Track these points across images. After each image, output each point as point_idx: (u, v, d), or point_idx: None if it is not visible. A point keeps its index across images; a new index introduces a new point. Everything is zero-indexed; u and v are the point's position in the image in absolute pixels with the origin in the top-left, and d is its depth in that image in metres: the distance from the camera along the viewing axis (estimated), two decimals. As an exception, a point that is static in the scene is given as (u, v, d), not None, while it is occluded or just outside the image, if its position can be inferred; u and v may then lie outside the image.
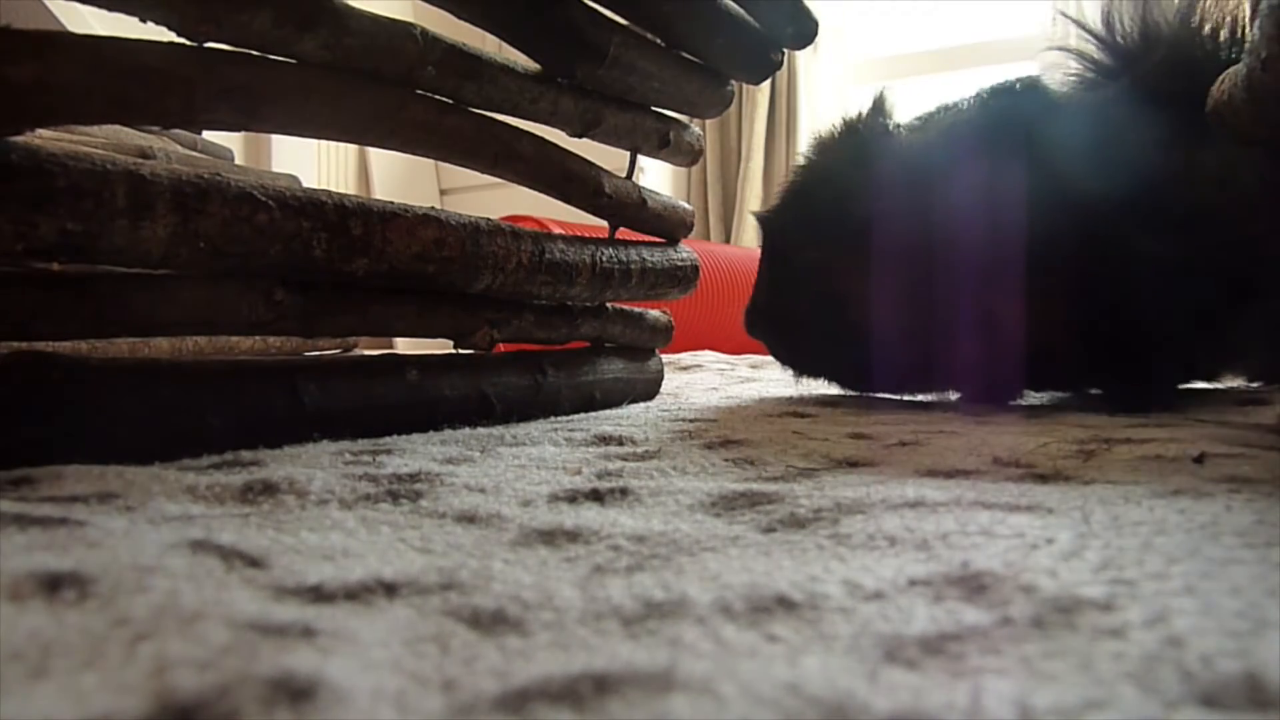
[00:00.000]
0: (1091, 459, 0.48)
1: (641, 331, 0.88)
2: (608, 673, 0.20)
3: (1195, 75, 0.75)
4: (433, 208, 0.62)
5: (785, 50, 0.87)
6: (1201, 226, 0.74)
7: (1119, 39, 0.87)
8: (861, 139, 0.88)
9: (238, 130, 0.52)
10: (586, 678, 0.19)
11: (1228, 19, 0.81)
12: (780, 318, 0.92)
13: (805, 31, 0.85)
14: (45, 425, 0.44)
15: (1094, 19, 0.89)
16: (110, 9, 0.47)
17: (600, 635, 0.23)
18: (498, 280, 0.67)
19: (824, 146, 0.91)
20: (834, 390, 0.96)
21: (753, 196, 2.77)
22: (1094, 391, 0.85)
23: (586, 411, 0.78)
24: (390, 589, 0.26)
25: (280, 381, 0.54)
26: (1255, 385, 0.94)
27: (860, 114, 0.90)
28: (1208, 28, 0.82)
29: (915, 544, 0.29)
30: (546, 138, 0.73)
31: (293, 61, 0.53)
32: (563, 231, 0.79)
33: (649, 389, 0.91)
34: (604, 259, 0.77)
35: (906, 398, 0.92)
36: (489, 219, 0.67)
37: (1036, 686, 0.19)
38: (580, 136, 0.76)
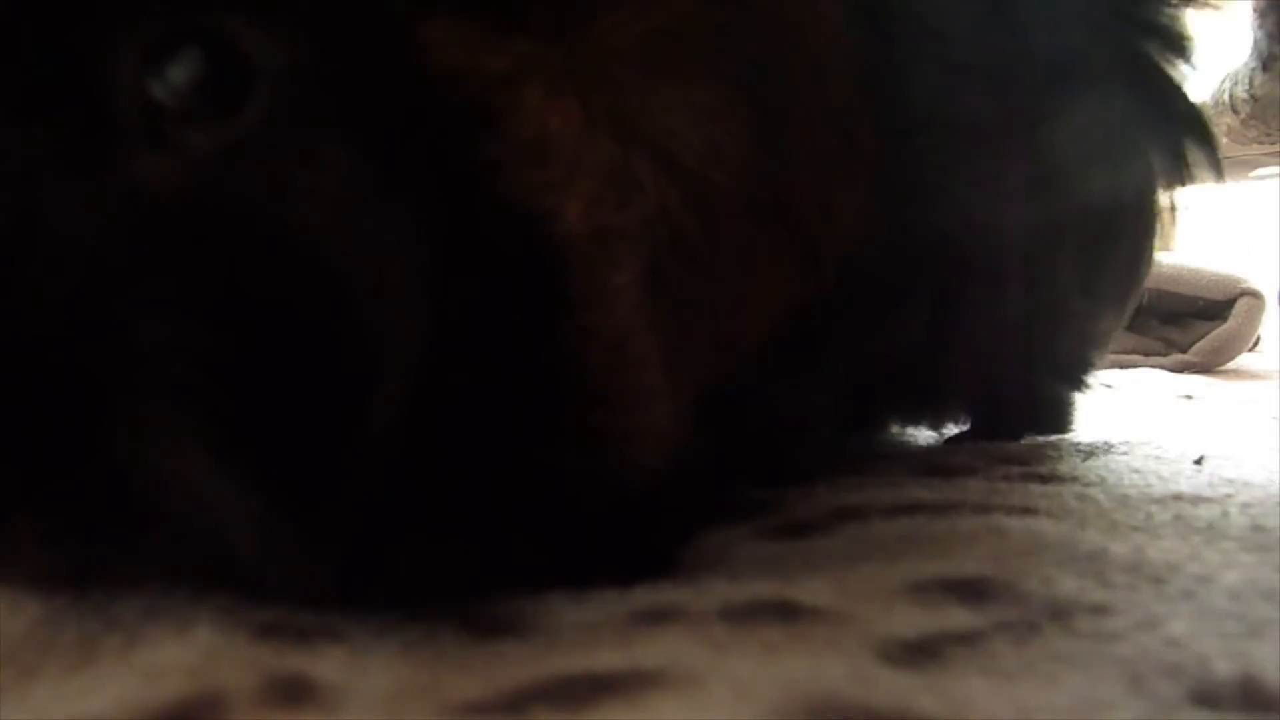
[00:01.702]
0: (1091, 459, 0.48)
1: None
2: (604, 673, 0.20)
3: None
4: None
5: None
6: None
7: None
8: None
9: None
10: (583, 678, 0.20)
11: None
12: None
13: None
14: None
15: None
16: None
17: (596, 637, 0.23)
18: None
19: None
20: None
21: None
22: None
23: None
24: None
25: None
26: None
27: None
28: None
29: (913, 551, 0.29)
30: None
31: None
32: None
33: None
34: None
35: None
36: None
37: (1033, 689, 0.19)
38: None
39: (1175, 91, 0.49)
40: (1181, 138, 0.49)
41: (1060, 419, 0.54)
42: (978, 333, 0.42)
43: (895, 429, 0.53)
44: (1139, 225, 0.50)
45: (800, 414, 0.36)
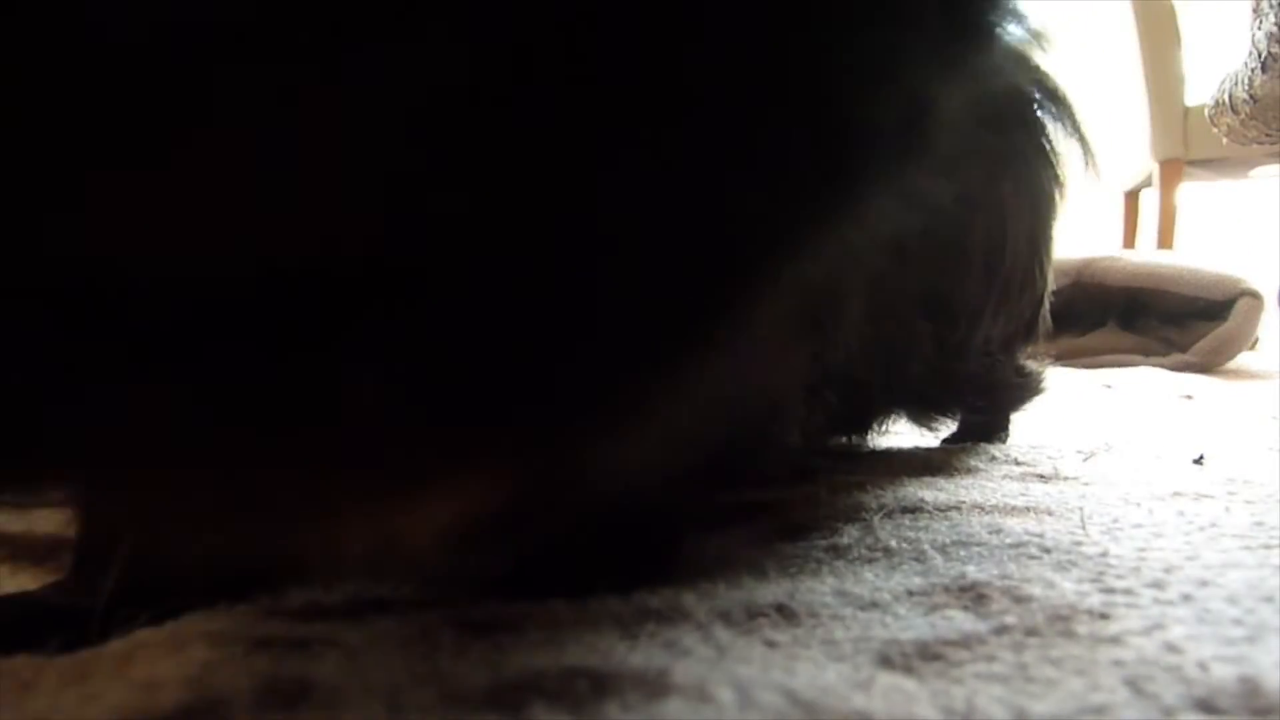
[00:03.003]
0: (1091, 459, 0.48)
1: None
2: (605, 671, 0.20)
3: None
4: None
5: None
6: None
7: None
8: None
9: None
10: (582, 674, 0.19)
11: None
12: None
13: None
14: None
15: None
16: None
17: (597, 635, 0.23)
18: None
19: None
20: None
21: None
22: None
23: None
24: (382, 605, 0.26)
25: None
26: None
27: None
28: None
29: (913, 555, 0.29)
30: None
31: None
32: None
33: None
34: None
35: None
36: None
37: (1033, 692, 0.19)
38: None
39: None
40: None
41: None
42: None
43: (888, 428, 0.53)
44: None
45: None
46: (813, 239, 0.18)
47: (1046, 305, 0.53)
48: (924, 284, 0.40)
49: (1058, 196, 0.49)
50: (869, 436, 0.53)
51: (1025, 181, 0.46)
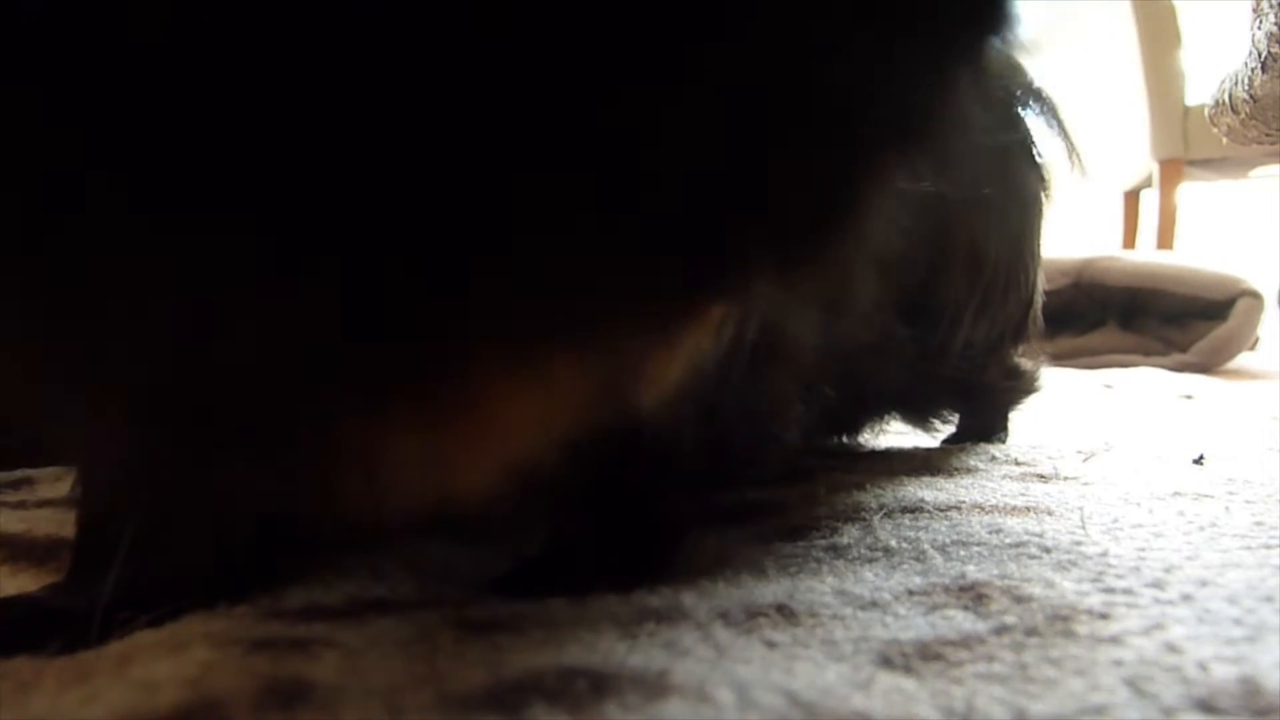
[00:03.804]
0: (1091, 459, 0.48)
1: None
2: (603, 671, 0.20)
3: None
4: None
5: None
6: None
7: None
8: None
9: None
10: (582, 674, 0.19)
11: None
12: None
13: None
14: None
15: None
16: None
17: (596, 635, 0.23)
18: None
19: None
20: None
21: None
22: None
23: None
24: (381, 605, 0.26)
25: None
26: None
27: None
28: None
29: (913, 555, 0.29)
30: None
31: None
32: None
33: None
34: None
35: None
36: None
37: (1033, 692, 0.19)
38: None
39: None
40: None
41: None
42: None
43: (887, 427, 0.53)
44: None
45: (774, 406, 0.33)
46: (802, 235, 0.19)
47: (1038, 306, 0.52)
48: (903, 286, 0.40)
49: (1043, 198, 0.49)
50: (861, 437, 0.53)
51: (1009, 183, 0.46)
